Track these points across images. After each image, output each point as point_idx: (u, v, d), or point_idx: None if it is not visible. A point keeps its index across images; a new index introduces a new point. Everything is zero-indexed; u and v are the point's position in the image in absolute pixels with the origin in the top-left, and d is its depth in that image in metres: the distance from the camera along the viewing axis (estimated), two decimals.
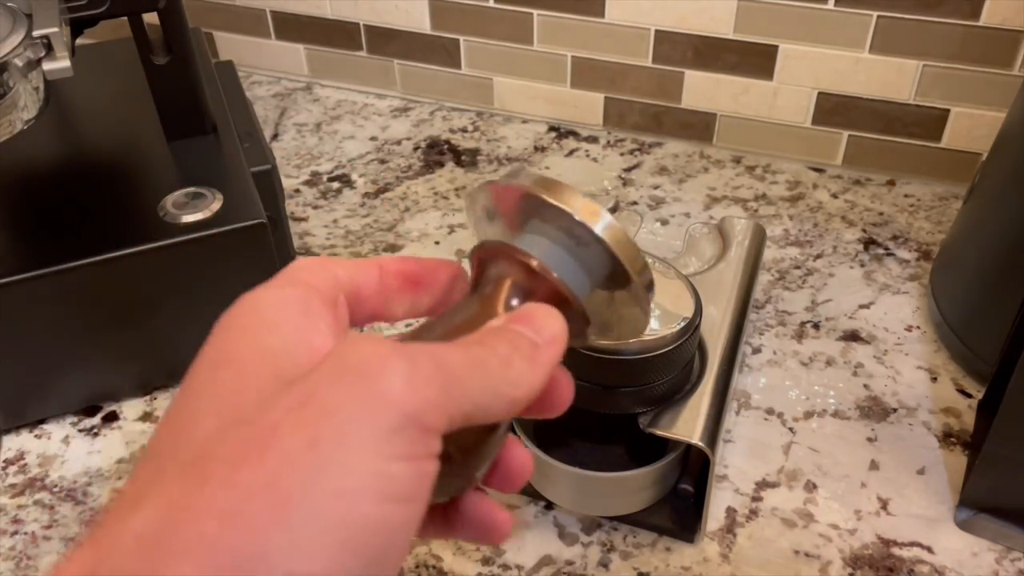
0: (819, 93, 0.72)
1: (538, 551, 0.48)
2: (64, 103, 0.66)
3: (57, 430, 0.56)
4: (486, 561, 0.48)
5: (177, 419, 0.24)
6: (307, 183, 0.75)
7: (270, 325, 0.26)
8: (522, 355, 0.25)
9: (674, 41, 0.74)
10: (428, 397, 0.22)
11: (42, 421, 0.56)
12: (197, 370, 0.25)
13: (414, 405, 0.22)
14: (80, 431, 0.56)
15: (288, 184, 0.74)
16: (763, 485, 0.51)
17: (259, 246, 0.54)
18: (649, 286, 0.29)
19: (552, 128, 0.81)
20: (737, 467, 0.52)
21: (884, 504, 0.50)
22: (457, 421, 0.23)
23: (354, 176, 0.76)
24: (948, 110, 0.70)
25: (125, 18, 0.55)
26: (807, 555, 0.48)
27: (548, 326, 0.27)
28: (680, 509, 0.49)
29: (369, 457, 0.21)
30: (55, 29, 0.48)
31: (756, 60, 0.72)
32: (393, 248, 0.68)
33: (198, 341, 0.63)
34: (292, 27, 0.85)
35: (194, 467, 0.21)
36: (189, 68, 0.58)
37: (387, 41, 0.83)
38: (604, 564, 0.48)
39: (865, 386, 0.57)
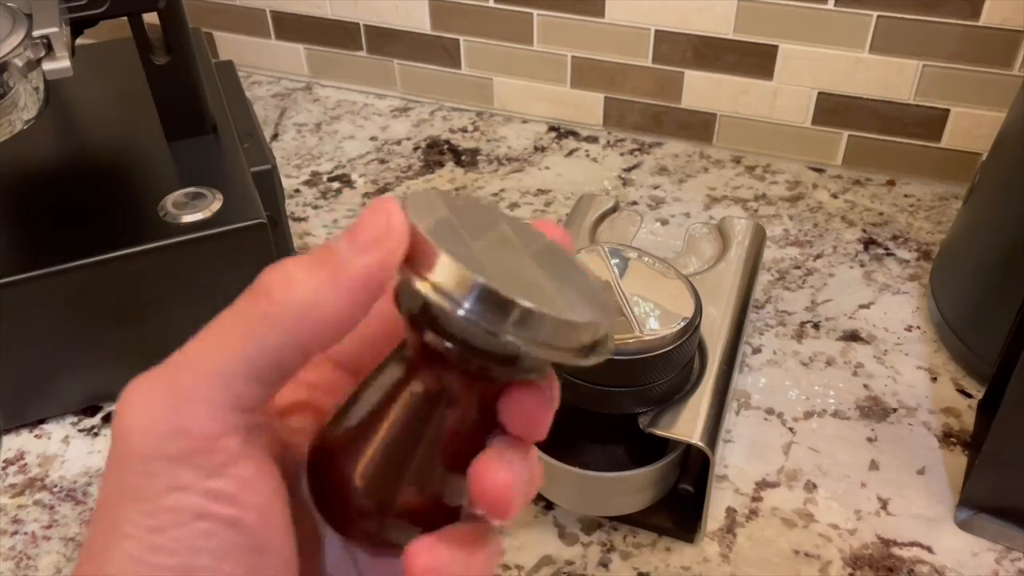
0: (819, 93, 0.72)
1: (538, 551, 0.48)
2: (64, 103, 0.66)
3: (57, 430, 0.56)
4: None
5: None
6: (307, 183, 0.75)
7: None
8: (320, 269, 0.22)
9: (674, 41, 0.74)
10: (155, 411, 0.21)
11: (42, 421, 0.56)
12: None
13: (148, 431, 0.21)
14: (80, 431, 0.56)
15: (288, 184, 0.74)
16: (763, 485, 0.51)
17: (259, 246, 0.54)
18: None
19: (552, 128, 0.81)
20: (737, 467, 0.52)
21: (884, 504, 0.50)
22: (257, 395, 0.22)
23: (354, 176, 0.76)
24: (948, 110, 0.70)
25: (125, 18, 0.55)
26: (807, 555, 0.48)
27: (365, 230, 0.22)
28: (680, 509, 0.49)
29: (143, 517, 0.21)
30: (55, 29, 0.48)
31: (756, 60, 0.72)
32: None
33: None
34: (292, 27, 0.85)
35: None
36: (189, 68, 0.58)
37: (387, 41, 0.83)
38: (604, 564, 0.48)
39: (865, 386, 0.57)
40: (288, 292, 0.22)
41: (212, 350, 0.22)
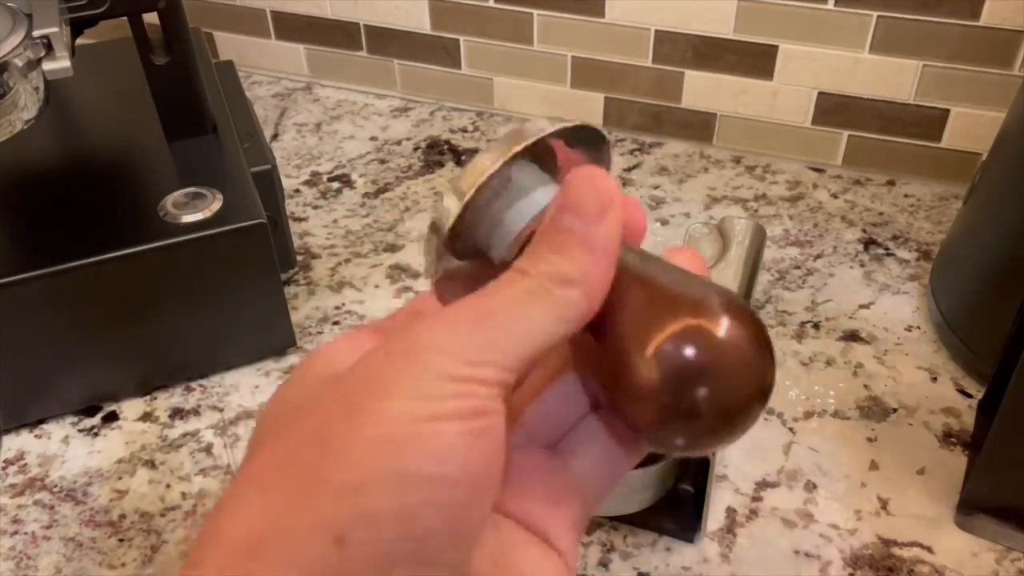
0: (819, 93, 0.72)
1: None
2: (64, 103, 0.66)
3: (57, 430, 0.56)
4: None
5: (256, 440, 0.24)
6: (307, 183, 0.75)
7: (331, 361, 0.25)
8: (570, 257, 0.23)
9: (674, 41, 0.74)
10: (477, 346, 0.21)
11: (42, 421, 0.56)
12: (267, 413, 0.25)
13: (463, 355, 0.21)
14: (80, 431, 0.56)
15: (288, 184, 0.74)
16: (763, 485, 0.51)
17: (259, 246, 0.54)
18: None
19: None
20: (737, 467, 0.52)
21: (884, 504, 0.50)
22: (521, 371, 0.22)
23: (354, 176, 0.76)
24: (948, 110, 0.70)
25: (125, 18, 0.55)
26: (807, 555, 0.48)
27: (589, 199, 0.23)
28: (680, 509, 0.49)
29: (408, 400, 0.21)
30: (55, 29, 0.48)
31: (756, 60, 0.72)
32: (393, 248, 0.68)
33: (198, 341, 0.63)
34: (292, 27, 0.85)
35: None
36: (189, 68, 0.58)
37: (387, 41, 0.83)
38: (604, 564, 0.48)
39: (865, 386, 0.57)
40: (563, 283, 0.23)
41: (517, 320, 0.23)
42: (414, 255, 0.68)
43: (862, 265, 0.66)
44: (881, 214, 0.71)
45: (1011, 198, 0.53)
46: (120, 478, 0.53)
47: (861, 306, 0.63)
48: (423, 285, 0.65)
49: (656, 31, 0.74)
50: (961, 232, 0.60)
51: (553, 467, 0.27)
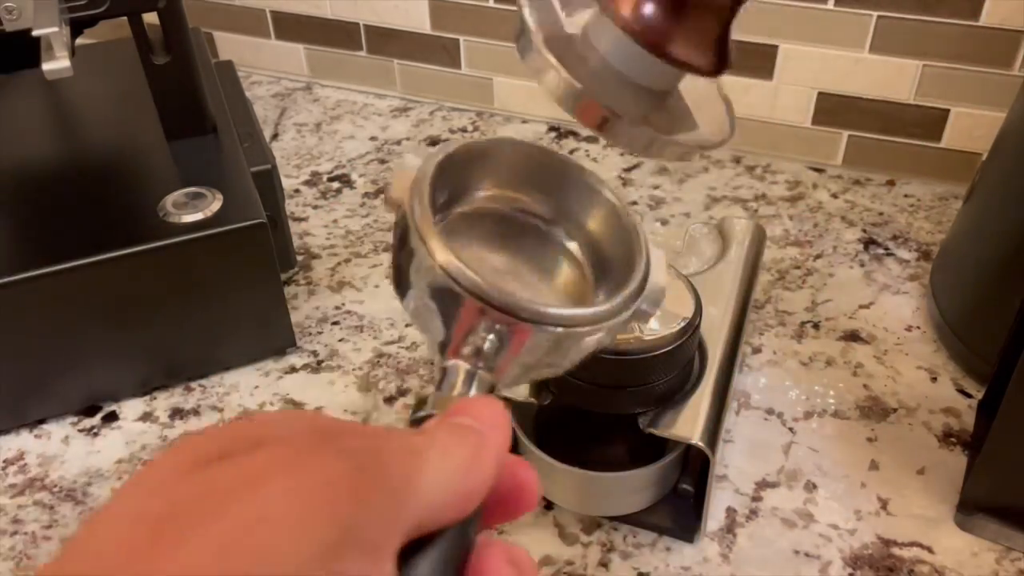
0: (819, 93, 0.72)
1: (538, 551, 0.48)
2: (64, 103, 0.66)
3: (57, 430, 0.56)
4: None
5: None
6: (307, 183, 0.75)
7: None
8: (465, 444, 0.24)
9: None
10: (373, 505, 0.20)
11: (42, 421, 0.56)
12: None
13: (355, 517, 0.20)
14: (80, 431, 0.56)
15: (288, 184, 0.74)
16: (763, 485, 0.51)
17: (259, 246, 0.54)
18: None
19: (552, 128, 0.81)
20: (737, 467, 0.52)
21: (884, 504, 0.50)
22: (411, 532, 0.21)
23: (354, 176, 0.76)
24: (948, 110, 0.70)
25: (125, 18, 0.55)
26: (807, 555, 0.48)
27: (486, 413, 0.25)
28: (680, 509, 0.49)
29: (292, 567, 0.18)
30: (55, 29, 0.48)
31: (756, 60, 0.72)
32: None
33: (198, 341, 0.63)
34: (292, 27, 0.85)
35: None
36: (189, 68, 0.58)
37: (387, 41, 0.83)
38: (604, 564, 0.48)
39: (865, 386, 0.57)
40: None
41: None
42: None
43: (862, 265, 0.66)
44: (881, 214, 0.71)
45: (1011, 198, 0.53)
46: (120, 478, 0.53)
47: (861, 306, 0.63)
48: None
49: None
50: (961, 232, 0.60)
51: None
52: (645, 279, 0.31)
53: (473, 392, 0.28)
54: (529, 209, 0.33)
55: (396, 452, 0.22)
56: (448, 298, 0.27)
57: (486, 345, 0.27)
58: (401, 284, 0.29)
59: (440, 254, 0.27)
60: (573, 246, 0.33)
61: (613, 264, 0.32)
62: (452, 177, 0.30)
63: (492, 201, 0.32)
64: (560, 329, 0.28)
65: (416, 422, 0.26)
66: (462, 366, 0.28)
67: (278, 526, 0.19)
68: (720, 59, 0.28)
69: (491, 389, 0.28)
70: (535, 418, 0.48)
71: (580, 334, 0.28)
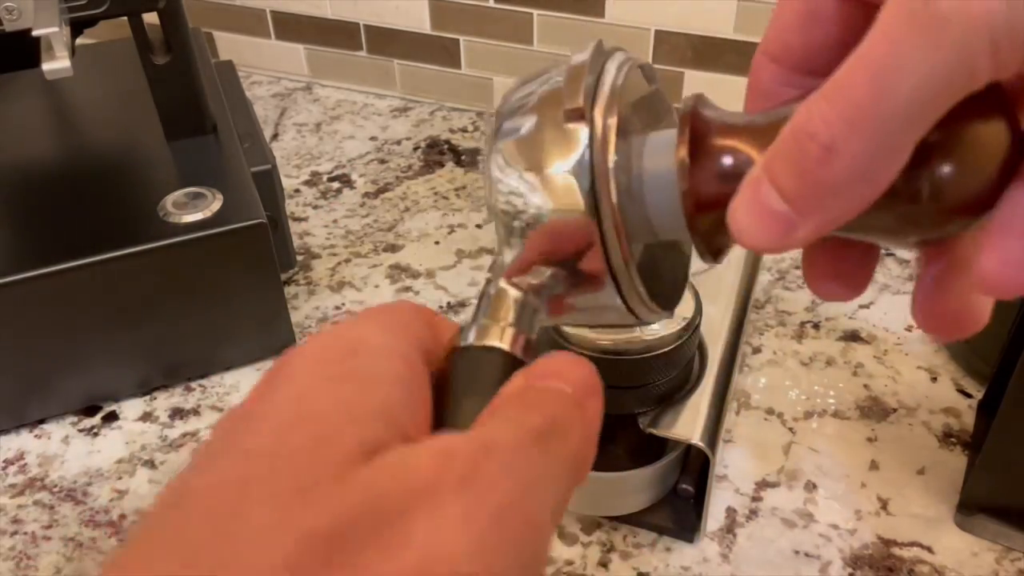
0: None
1: None
2: (64, 103, 0.66)
3: (57, 430, 0.56)
4: None
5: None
6: (307, 183, 0.75)
7: (370, 379, 0.20)
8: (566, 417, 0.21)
9: (674, 41, 0.74)
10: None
11: (42, 421, 0.56)
12: (259, 415, 0.19)
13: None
14: (80, 431, 0.56)
15: (288, 184, 0.74)
16: (763, 485, 0.51)
17: (259, 246, 0.54)
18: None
19: None
20: (737, 467, 0.52)
21: (884, 504, 0.50)
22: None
23: (354, 176, 0.76)
24: None
25: (125, 18, 0.55)
26: (807, 555, 0.48)
27: (577, 373, 0.22)
28: (680, 509, 0.49)
29: None
30: (55, 29, 0.48)
31: None
32: (393, 248, 0.68)
33: (198, 341, 0.63)
34: (292, 27, 0.85)
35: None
36: (189, 68, 0.58)
37: (387, 41, 0.83)
38: (604, 564, 0.48)
39: (865, 386, 0.57)
40: None
41: None
42: (414, 255, 0.68)
43: None
44: None
45: None
46: (120, 478, 0.53)
47: (861, 306, 0.63)
48: (423, 285, 0.65)
49: (656, 31, 0.74)
50: None
51: None
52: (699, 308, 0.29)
53: (516, 319, 0.24)
54: None
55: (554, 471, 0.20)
56: (569, 214, 0.24)
57: (556, 278, 0.25)
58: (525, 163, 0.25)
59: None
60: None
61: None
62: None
63: None
64: (623, 305, 0.26)
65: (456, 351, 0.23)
66: (509, 290, 0.24)
67: (461, 563, 0.17)
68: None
69: (532, 331, 0.25)
70: None
71: (626, 314, 0.26)
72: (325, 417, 0.19)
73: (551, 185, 0.25)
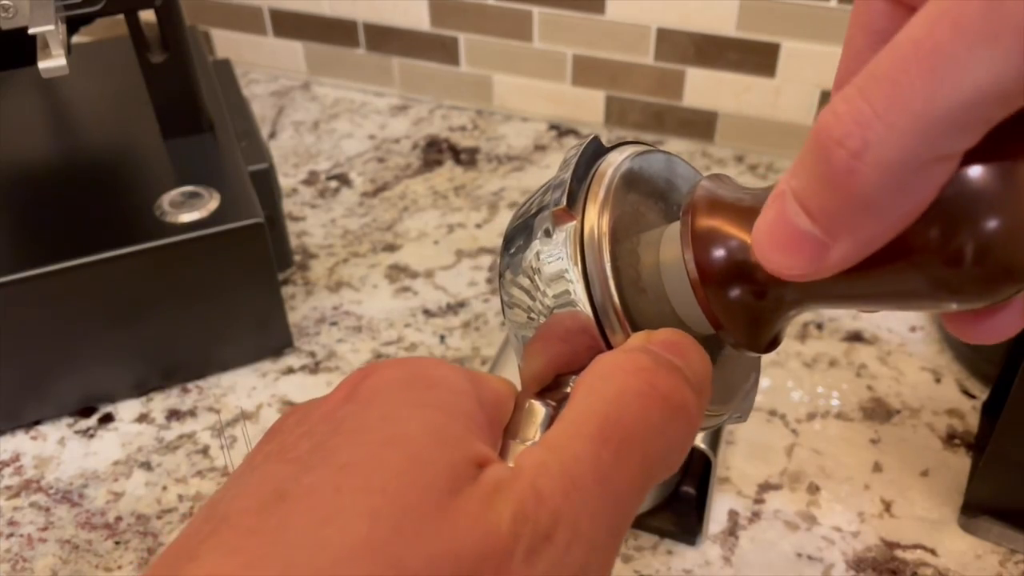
0: (822, 91, 0.72)
1: None
2: (60, 102, 0.66)
3: (53, 431, 0.55)
4: None
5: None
6: (305, 182, 0.75)
7: (453, 411, 0.21)
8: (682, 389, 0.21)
9: (676, 39, 0.73)
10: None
11: (38, 422, 0.56)
12: (349, 429, 0.20)
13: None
14: (76, 432, 0.55)
15: (286, 183, 0.74)
16: (765, 487, 0.51)
17: (256, 246, 0.54)
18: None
19: (552, 126, 0.81)
20: (739, 469, 0.52)
21: (887, 506, 0.50)
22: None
23: (352, 175, 0.76)
24: None
25: (121, 16, 0.55)
26: (810, 558, 0.47)
27: (687, 348, 0.23)
28: (682, 512, 0.49)
29: None
30: (51, 27, 0.47)
31: (758, 58, 0.72)
32: (392, 247, 0.68)
33: (194, 341, 0.63)
34: (290, 25, 0.85)
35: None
36: (186, 66, 0.58)
37: (386, 39, 0.83)
38: None
39: (868, 387, 0.56)
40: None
41: None
42: (413, 255, 0.67)
43: None
44: None
45: None
46: (116, 480, 0.52)
47: None
48: (422, 285, 0.65)
49: (658, 28, 0.73)
50: None
51: None
52: (753, 393, 0.28)
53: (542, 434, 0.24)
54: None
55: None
56: (577, 326, 0.24)
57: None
58: (519, 276, 0.25)
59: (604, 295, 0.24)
60: None
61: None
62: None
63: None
64: None
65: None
66: (540, 408, 0.24)
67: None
68: (770, 344, 0.25)
69: None
70: None
71: None
72: (416, 439, 0.20)
73: (549, 290, 0.24)
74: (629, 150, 0.26)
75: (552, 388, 0.25)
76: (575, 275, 0.24)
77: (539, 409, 0.24)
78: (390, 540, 0.17)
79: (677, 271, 0.24)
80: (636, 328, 0.24)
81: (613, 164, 0.25)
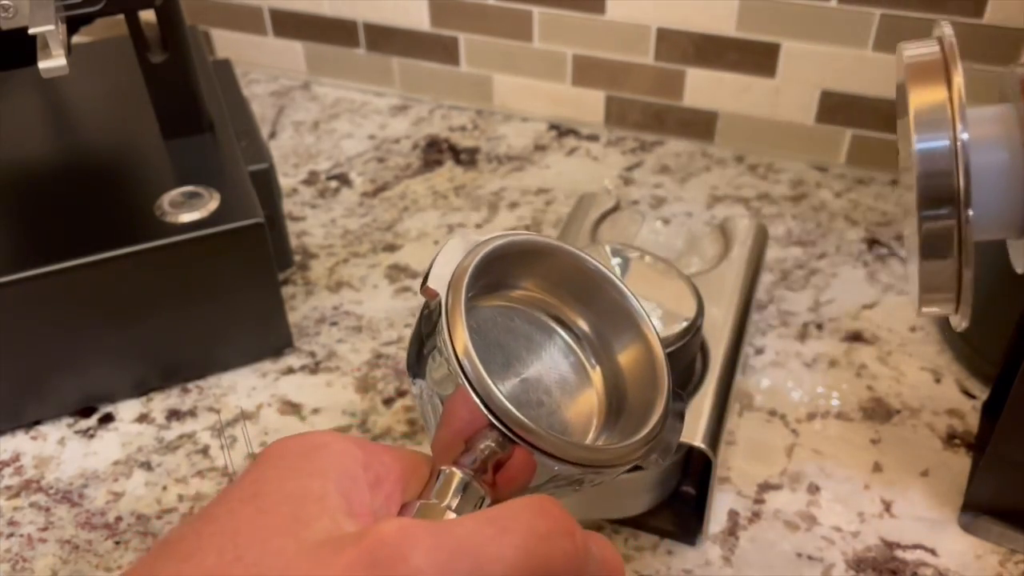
0: (822, 91, 0.72)
1: None
2: (60, 101, 0.66)
3: (53, 431, 0.55)
4: None
5: (177, 545, 0.24)
6: (305, 182, 0.75)
7: (319, 471, 0.25)
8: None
9: (676, 39, 0.73)
10: None
11: (38, 422, 0.56)
12: (224, 498, 0.25)
13: None
14: (76, 432, 0.55)
15: (286, 183, 0.74)
16: (765, 487, 0.51)
17: (256, 246, 0.54)
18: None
19: (552, 126, 0.81)
20: (739, 469, 0.52)
21: (887, 506, 0.50)
22: None
23: (352, 175, 0.76)
24: None
25: (121, 16, 0.55)
26: (810, 558, 0.47)
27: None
28: (682, 512, 0.49)
29: None
30: (51, 27, 0.47)
31: (758, 58, 0.72)
32: (392, 247, 0.68)
33: (194, 341, 0.63)
34: (290, 25, 0.85)
35: None
36: (186, 66, 0.58)
37: (386, 39, 0.83)
38: None
39: (868, 387, 0.56)
40: None
41: None
42: (413, 255, 0.67)
43: (865, 265, 0.65)
44: (885, 213, 0.70)
45: None
46: (116, 480, 0.52)
47: (864, 306, 0.62)
48: None
49: (657, 29, 0.73)
50: None
51: None
52: (660, 428, 0.30)
53: (458, 502, 0.27)
54: (563, 318, 0.32)
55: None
56: (461, 402, 0.27)
57: (485, 456, 0.27)
58: (417, 371, 0.29)
59: (469, 364, 0.27)
60: (596, 371, 0.32)
61: (631, 401, 0.31)
62: (495, 269, 0.30)
63: (528, 301, 0.32)
64: (558, 466, 0.27)
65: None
66: (456, 473, 0.27)
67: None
68: None
69: (481, 502, 0.27)
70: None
71: (579, 473, 0.28)
72: (268, 495, 0.25)
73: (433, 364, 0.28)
74: (499, 239, 0.30)
75: (466, 452, 0.27)
76: (448, 353, 0.27)
77: (455, 474, 0.27)
78: (231, 570, 0.23)
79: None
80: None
81: (481, 252, 0.29)
